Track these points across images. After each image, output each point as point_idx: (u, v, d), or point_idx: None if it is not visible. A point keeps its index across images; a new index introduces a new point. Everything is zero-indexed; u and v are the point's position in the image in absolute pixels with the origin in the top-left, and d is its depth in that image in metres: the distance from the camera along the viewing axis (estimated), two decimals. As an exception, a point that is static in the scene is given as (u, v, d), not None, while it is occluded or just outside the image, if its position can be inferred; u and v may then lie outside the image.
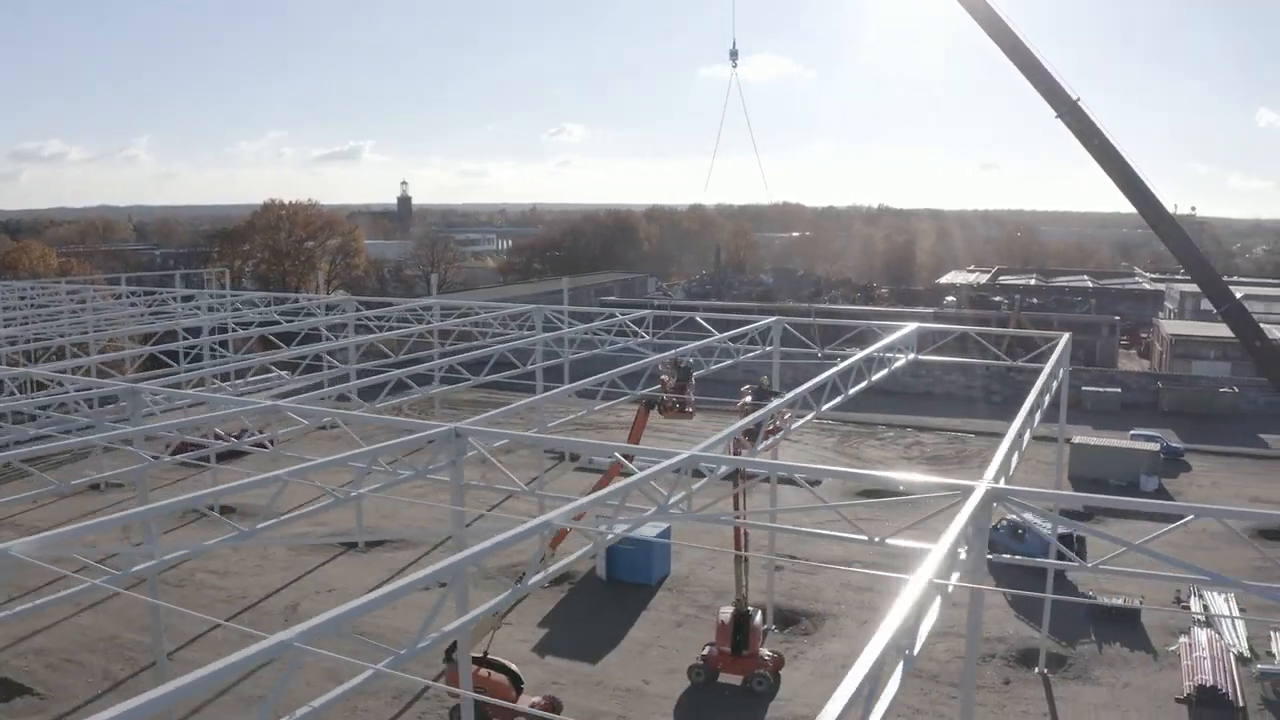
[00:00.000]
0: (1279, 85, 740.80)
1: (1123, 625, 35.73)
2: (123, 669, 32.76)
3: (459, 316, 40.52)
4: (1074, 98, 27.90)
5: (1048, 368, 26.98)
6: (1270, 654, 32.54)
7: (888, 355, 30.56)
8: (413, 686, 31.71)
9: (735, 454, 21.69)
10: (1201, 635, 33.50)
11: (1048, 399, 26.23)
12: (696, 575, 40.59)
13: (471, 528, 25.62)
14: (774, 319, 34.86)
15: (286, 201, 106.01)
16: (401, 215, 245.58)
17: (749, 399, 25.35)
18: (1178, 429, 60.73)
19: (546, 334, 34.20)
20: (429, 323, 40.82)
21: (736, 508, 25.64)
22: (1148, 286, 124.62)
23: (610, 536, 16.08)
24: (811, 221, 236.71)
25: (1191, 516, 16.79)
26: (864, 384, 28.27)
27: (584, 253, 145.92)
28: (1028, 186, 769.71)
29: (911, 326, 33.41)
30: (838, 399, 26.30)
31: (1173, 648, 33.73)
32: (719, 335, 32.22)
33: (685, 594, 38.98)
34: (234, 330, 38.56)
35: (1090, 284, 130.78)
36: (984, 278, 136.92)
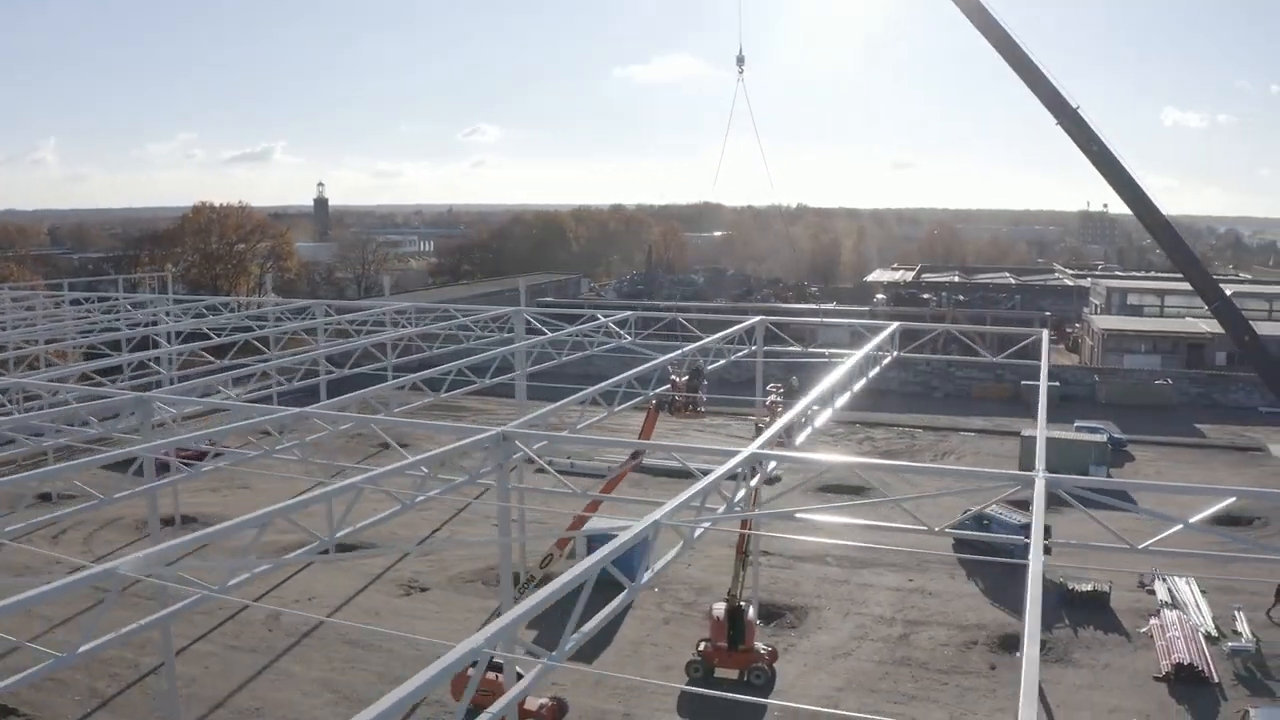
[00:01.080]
0: (1184, 85, 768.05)
1: (1092, 609, 37.13)
2: (109, 685, 32.09)
3: (437, 319, 40.39)
4: (1075, 106, 29.14)
5: (1044, 362, 28.04)
6: (1236, 632, 34.12)
7: (878, 354, 31.45)
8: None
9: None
10: (1171, 616, 34.99)
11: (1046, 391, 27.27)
12: (675, 573, 40.99)
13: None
14: (758, 318, 35.57)
15: (217, 204, 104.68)
16: (319, 217, 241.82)
17: (774, 398, 25.99)
18: (1117, 420, 62.80)
19: (540, 337, 34.29)
20: (404, 326, 40.61)
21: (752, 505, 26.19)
22: (1069, 283, 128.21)
23: (698, 534, 16.46)
24: (733, 221, 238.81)
25: (1233, 499, 17.78)
26: (864, 380, 29.07)
27: (512, 254, 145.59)
28: (941, 185, 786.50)
29: (894, 325, 34.34)
30: (845, 395, 27.04)
31: (1144, 629, 35.22)
32: (714, 336, 32.70)
33: (668, 592, 39.43)
34: (214, 336, 37.93)
35: (1013, 281, 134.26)
36: (909, 275, 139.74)
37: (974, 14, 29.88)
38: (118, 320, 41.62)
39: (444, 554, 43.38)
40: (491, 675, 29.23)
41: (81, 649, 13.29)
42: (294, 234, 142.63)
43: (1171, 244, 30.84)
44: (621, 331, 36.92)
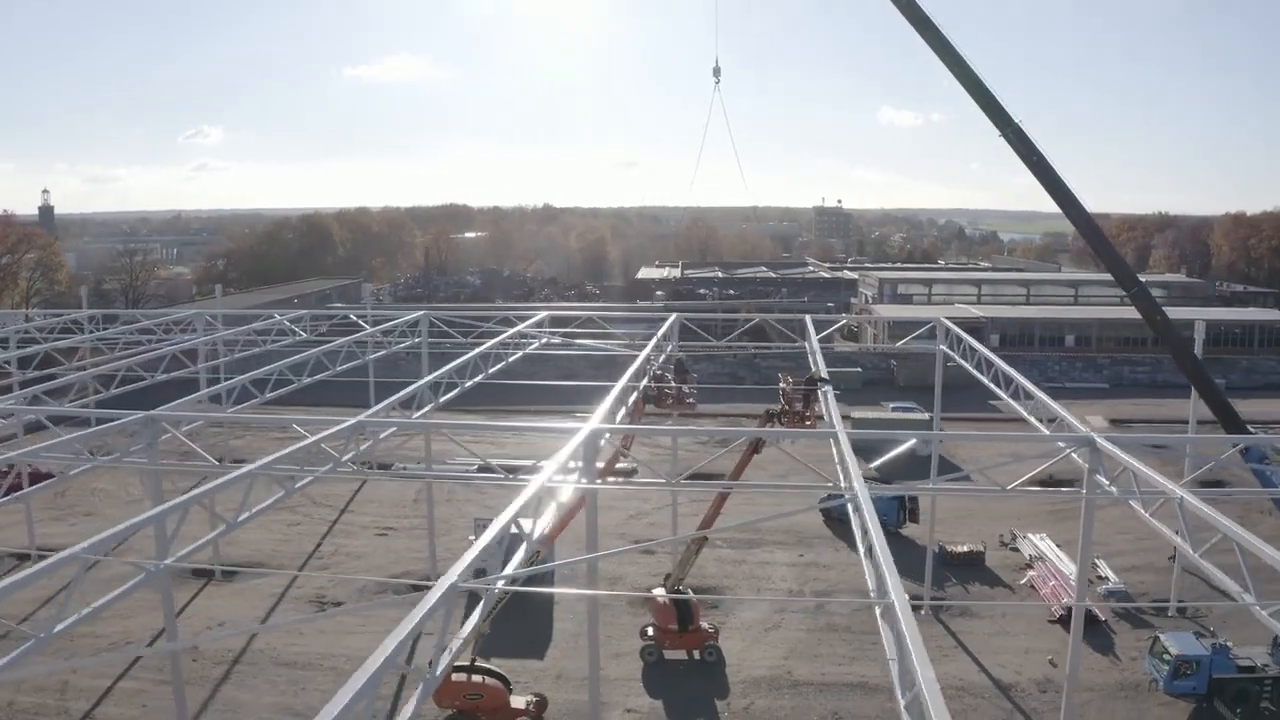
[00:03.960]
0: (899, 85, 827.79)
1: (971, 568, 41.22)
2: (43, 732, 30.05)
3: (336, 328, 39.59)
4: (1017, 120, 32.48)
5: (988, 351, 31.22)
6: (1102, 577, 38.84)
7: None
8: (384, 707, 31.38)
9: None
10: (1044, 568, 39.40)
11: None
12: (581, 567, 41.98)
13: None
14: (674, 315, 37.32)
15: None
16: (45, 225, 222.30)
17: (789, 386, 27.95)
18: (917, 400, 68.38)
19: (527, 340, 34.39)
20: (295, 335, 39.55)
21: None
22: (826, 275, 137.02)
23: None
24: (487, 221, 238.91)
25: (1241, 445, 20.96)
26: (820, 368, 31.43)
27: (277, 260, 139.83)
28: (664, 182, 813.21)
29: (807, 317, 36.92)
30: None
31: (1024, 581, 39.52)
32: (688, 336, 34.06)
33: (584, 584, 40.40)
34: (106, 350, 35.37)
35: (773, 274, 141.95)
36: (675, 272, 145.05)
37: (938, 45, 32.76)
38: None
39: (343, 566, 42.63)
40: (479, 679, 29.69)
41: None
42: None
43: (1095, 239, 34.91)
44: (537, 334, 37.59)
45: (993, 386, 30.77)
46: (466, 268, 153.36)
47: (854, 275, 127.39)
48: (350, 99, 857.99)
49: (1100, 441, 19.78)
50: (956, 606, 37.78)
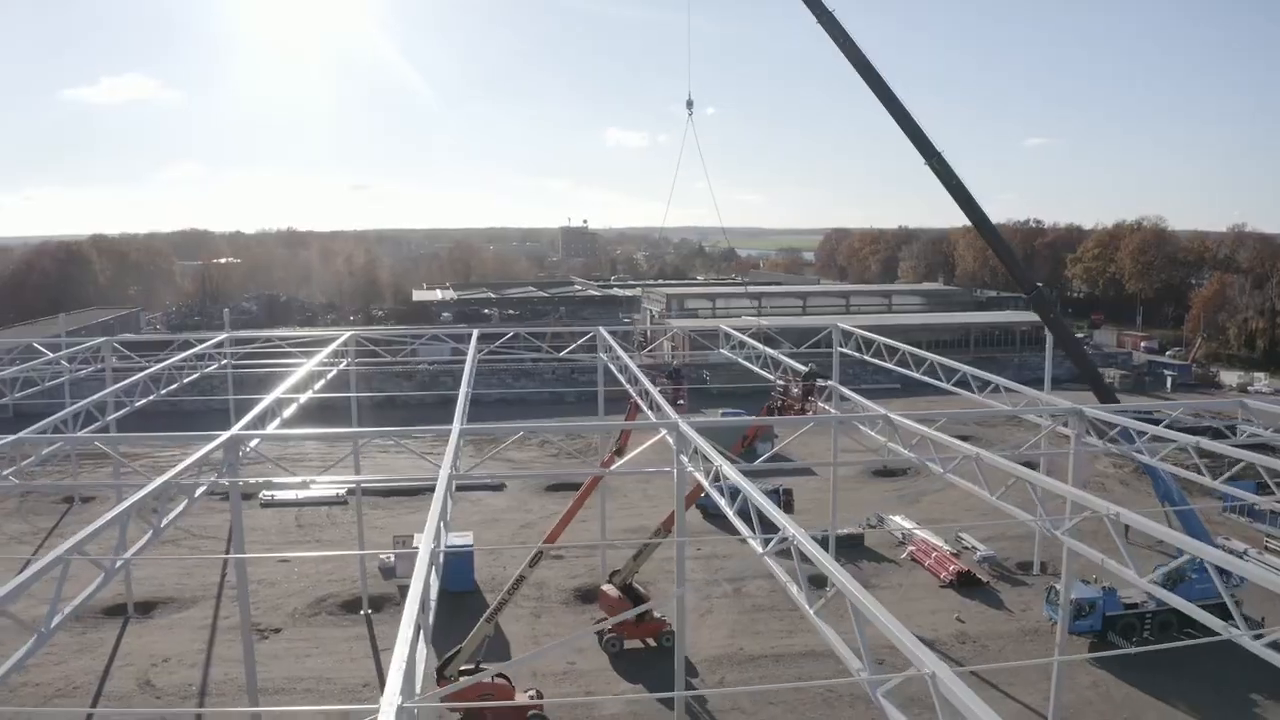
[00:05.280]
0: (624, 109, 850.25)
1: (854, 549, 46.04)
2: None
3: (260, 349, 39.87)
4: (940, 150, 37.01)
5: (911, 347, 35.88)
6: (968, 548, 44.56)
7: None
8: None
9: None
10: (921, 543, 44.80)
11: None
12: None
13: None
14: (596, 328, 40.41)
15: None
16: None
17: (786, 383, 31.55)
18: (735, 406, 73.44)
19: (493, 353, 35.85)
20: (219, 361, 39.58)
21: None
22: (596, 293, 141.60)
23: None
24: (231, 247, 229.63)
25: (1211, 422, 26.11)
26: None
27: (33, 291, 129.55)
28: (396, 204, 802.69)
29: (673, 329, 40.71)
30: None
31: (904, 555, 44.83)
32: (637, 347, 36.82)
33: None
34: (40, 383, 33.94)
35: (544, 294, 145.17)
36: (448, 294, 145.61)
37: (871, 80, 36.91)
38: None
39: (265, 592, 42.26)
40: (487, 679, 31.30)
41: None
42: None
43: (1003, 253, 40.12)
44: (464, 349, 39.45)
45: (938, 383, 35.27)
46: (235, 295, 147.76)
47: (630, 293, 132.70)
48: (68, 122, 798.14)
49: (1087, 410, 24.46)
50: (858, 580, 42.37)
